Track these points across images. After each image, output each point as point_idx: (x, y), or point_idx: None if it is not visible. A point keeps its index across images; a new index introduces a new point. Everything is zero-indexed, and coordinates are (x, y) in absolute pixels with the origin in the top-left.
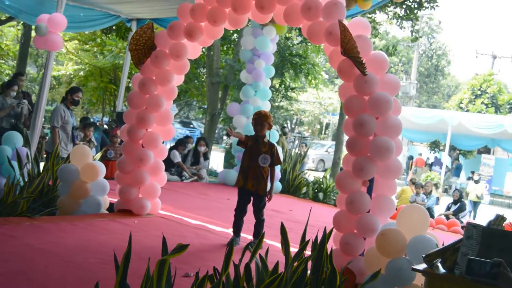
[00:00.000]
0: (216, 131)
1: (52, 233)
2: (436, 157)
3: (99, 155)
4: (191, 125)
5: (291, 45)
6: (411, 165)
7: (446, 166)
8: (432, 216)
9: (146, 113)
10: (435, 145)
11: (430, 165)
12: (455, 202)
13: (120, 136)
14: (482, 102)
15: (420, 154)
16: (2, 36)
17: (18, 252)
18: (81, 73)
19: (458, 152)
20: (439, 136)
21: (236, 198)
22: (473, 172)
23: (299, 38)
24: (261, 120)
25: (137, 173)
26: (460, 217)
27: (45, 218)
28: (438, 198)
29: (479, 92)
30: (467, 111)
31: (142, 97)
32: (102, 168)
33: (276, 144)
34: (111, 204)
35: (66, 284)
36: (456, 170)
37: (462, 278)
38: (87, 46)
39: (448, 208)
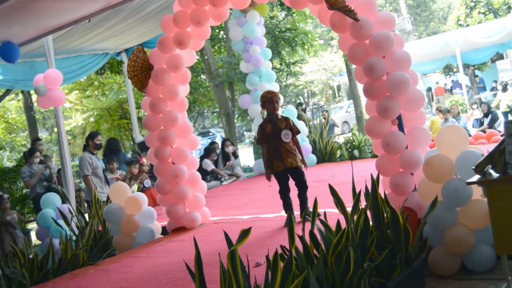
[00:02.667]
0: (236, 130)
1: (119, 271)
2: (453, 80)
3: (135, 187)
4: (210, 133)
5: (278, 22)
6: (432, 96)
7: (466, 85)
8: (469, 135)
9: (166, 131)
10: (448, 69)
11: (450, 90)
12: (486, 115)
13: (149, 161)
14: (479, 12)
15: (437, 83)
16: (6, 111)
17: None
18: (91, 119)
19: (472, 68)
20: (449, 60)
21: (276, 182)
22: (495, 81)
23: (283, 13)
24: (273, 99)
25: (177, 190)
26: (495, 127)
27: (107, 260)
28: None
29: (472, 4)
30: (468, 25)
31: (156, 117)
32: (143, 198)
33: (292, 118)
34: (163, 228)
35: None
36: (480, 86)
37: None
38: (88, 92)
39: (482, 123)
